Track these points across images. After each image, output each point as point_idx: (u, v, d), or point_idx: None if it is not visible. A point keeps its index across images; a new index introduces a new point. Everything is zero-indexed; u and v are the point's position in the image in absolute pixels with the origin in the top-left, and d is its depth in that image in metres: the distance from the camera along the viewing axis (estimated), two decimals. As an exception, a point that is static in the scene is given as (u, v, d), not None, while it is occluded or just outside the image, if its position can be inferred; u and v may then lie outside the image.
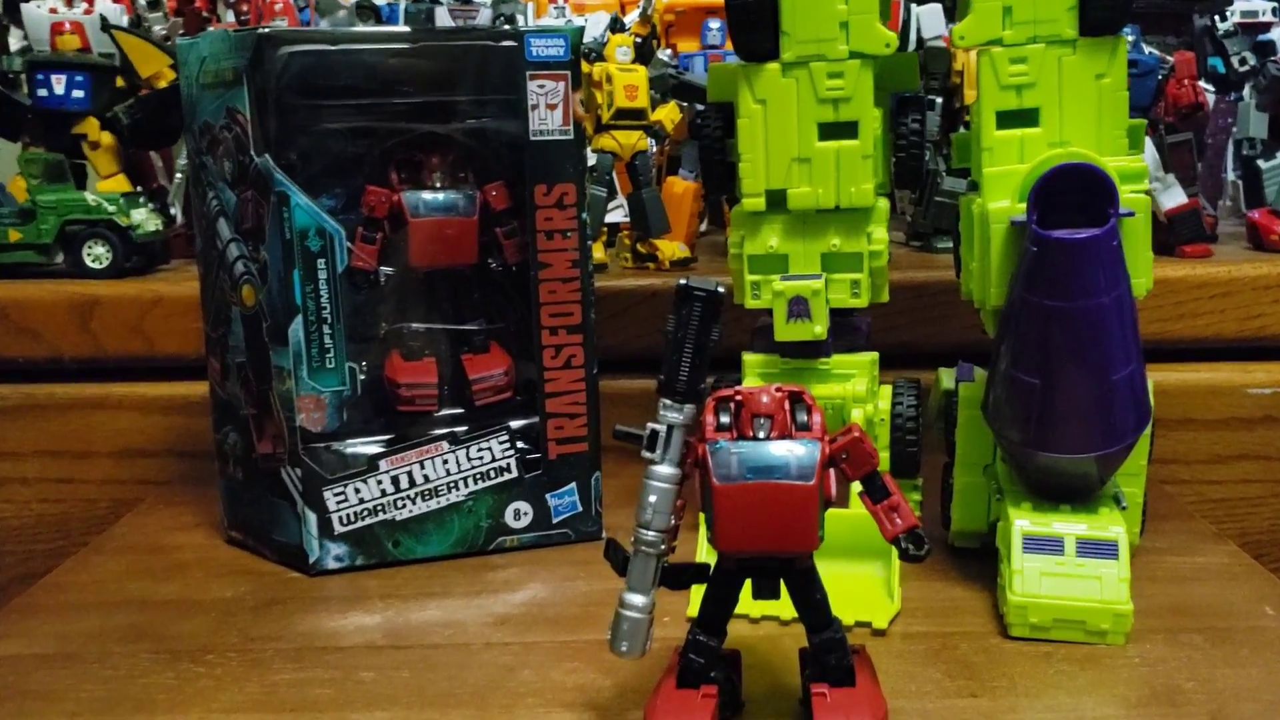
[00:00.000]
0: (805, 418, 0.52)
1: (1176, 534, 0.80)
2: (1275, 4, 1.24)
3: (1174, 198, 1.10)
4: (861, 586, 0.71)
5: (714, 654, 0.54)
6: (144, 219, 1.15)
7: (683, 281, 0.52)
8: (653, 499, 0.53)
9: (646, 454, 0.53)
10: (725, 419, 0.52)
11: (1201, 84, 1.13)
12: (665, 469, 0.53)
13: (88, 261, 1.12)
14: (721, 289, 0.52)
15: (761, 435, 0.51)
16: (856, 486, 0.72)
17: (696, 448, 0.52)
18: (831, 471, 0.52)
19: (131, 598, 0.77)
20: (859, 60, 0.70)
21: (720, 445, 0.51)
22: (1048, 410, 0.63)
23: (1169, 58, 1.12)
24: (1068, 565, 0.64)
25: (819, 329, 0.73)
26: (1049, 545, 0.65)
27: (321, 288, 0.76)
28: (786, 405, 0.52)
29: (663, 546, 0.53)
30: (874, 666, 0.57)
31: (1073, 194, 0.61)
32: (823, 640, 0.54)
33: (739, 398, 0.52)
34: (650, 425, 0.53)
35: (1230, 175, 1.33)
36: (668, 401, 0.53)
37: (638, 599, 0.54)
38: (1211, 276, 1.01)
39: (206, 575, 0.80)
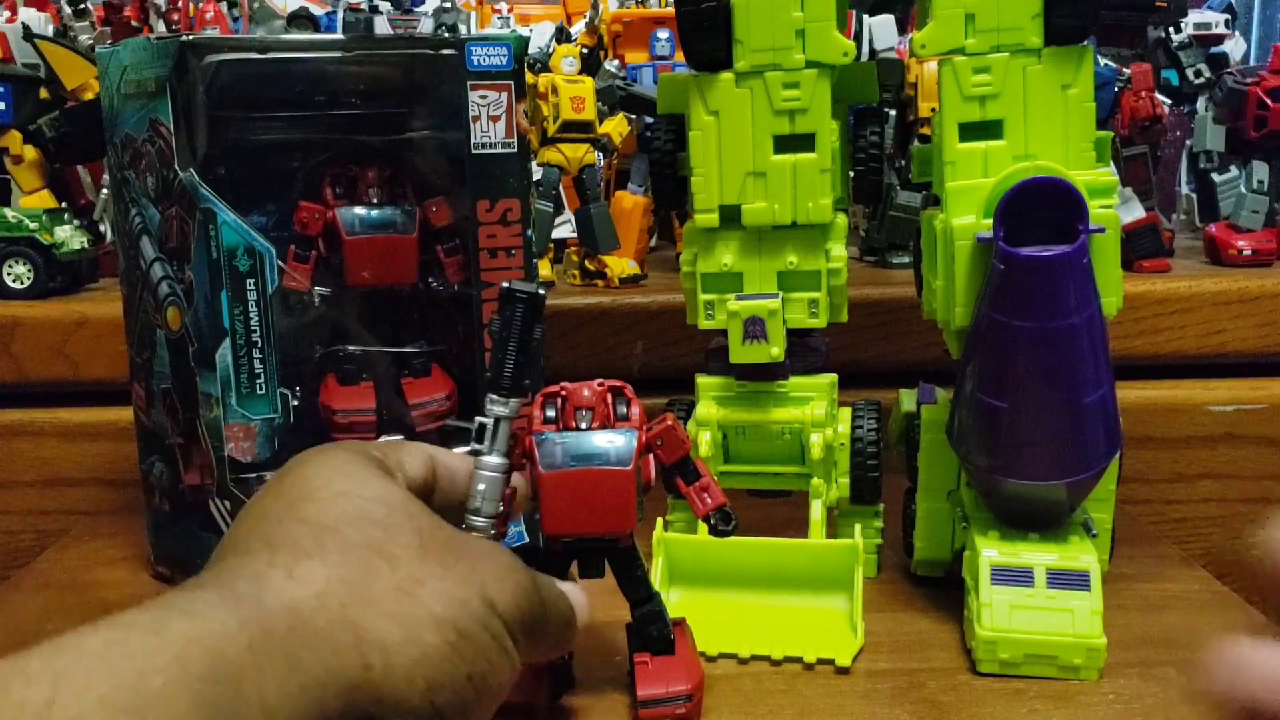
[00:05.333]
0: (625, 410, 0.57)
1: (1143, 559, 0.78)
2: (1228, 16, 1.23)
3: (1131, 212, 1.09)
4: (824, 620, 0.67)
5: None
6: (68, 236, 1.10)
7: (505, 284, 0.56)
8: (482, 487, 0.56)
9: (476, 445, 0.56)
10: (551, 413, 0.57)
11: (1159, 96, 1.12)
12: (494, 459, 0.56)
13: (8, 281, 1.07)
14: (543, 291, 0.56)
15: (584, 426, 0.56)
16: (817, 513, 0.70)
17: (524, 440, 0.56)
18: (651, 458, 0.57)
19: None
20: (816, 70, 0.67)
21: (546, 436, 0.56)
22: (1016, 435, 0.60)
23: (1125, 69, 1.11)
24: (1038, 597, 0.62)
25: (776, 350, 0.70)
26: (1018, 576, 0.62)
27: (251, 309, 0.73)
28: (608, 398, 0.57)
29: (492, 531, 0.57)
30: (693, 637, 0.61)
31: (1040, 209, 0.59)
32: (644, 613, 0.59)
33: (563, 393, 0.57)
34: (479, 419, 0.57)
35: (1184, 189, 1.32)
36: (494, 396, 0.57)
37: None
38: (1171, 292, 1.00)
39: (130, 615, 0.76)
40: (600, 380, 0.57)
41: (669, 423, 0.57)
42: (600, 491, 0.55)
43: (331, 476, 0.47)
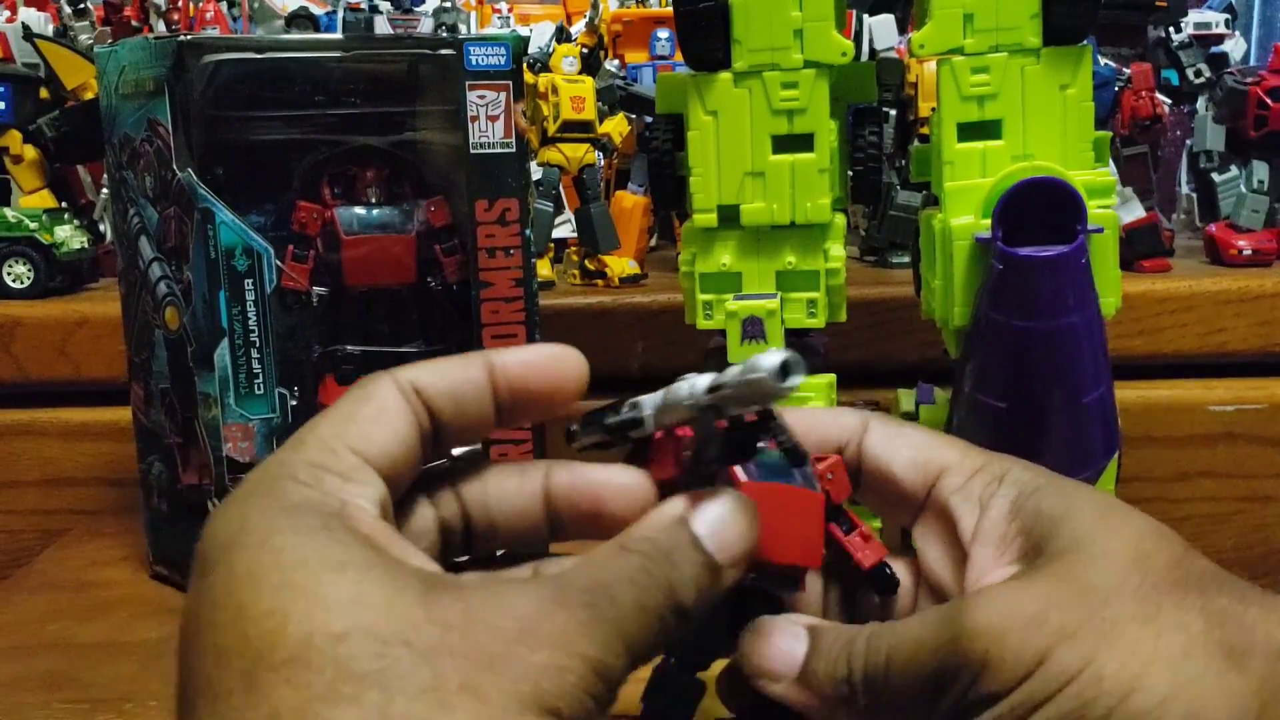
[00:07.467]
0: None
1: (1143, 558, 0.78)
2: (1228, 16, 1.23)
3: (1131, 211, 1.09)
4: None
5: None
6: (68, 236, 1.11)
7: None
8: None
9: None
10: None
11: (1159, 96, 1.12)
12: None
13: (8, 281, 1.07)
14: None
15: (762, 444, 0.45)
16: None
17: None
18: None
19: (51, 641, 0.72)
20: (814, 70, 0.67)
21: None
22: (1015, 435, 0.60)
23: (1125, 69, 1.11)
24: (1037, 597, 0.61)
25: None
26: (1017, 576, 0.62)
27: (249, 309, 0.73)
28: None
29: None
30: None
31: (1038, 209, 0.59)
32: None
33: None
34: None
35: (1184, 188, 1.32)
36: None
37: None
38: (1171, 292, 0.99)
39: (131, 614, 0.76)
40: None
41: (837, 458, 0.48)
42: (791, 513, 0.45)
43: (289, 611, 0.31)
